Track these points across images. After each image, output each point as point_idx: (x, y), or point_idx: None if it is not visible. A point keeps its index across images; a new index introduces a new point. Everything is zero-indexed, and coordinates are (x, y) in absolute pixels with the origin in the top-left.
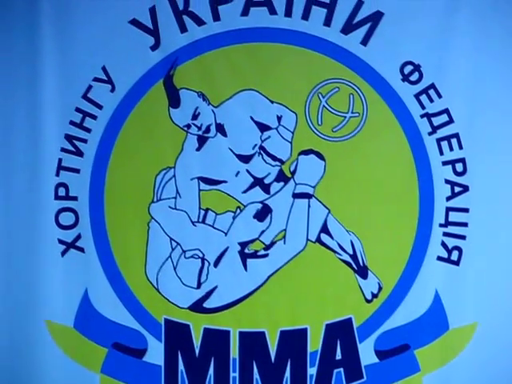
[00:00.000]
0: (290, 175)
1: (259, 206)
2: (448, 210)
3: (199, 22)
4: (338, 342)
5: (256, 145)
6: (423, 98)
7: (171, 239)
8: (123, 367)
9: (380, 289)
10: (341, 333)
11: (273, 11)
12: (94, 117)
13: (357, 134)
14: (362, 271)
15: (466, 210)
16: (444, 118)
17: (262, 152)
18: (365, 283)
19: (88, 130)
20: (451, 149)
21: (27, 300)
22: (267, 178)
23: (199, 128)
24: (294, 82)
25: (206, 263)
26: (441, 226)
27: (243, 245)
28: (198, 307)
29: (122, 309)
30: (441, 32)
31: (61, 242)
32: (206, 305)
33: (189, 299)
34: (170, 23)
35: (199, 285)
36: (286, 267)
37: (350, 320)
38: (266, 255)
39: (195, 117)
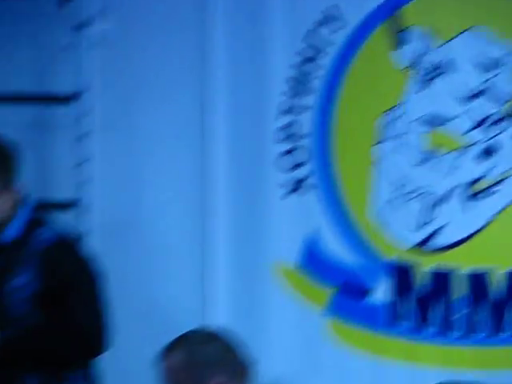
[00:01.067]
0: None
1: (484, 145)
2: None
3: None
4: None
5: (481, 84)
6: None
7: (395, 180)
8: (349, 307)
9: None
10: None
11: None
12: (324, 53)
13: None
14: None
15: None
16: None
17: (486, 91)
18: None
19: (319, 67)
20: None
21: (255, 242)
22: (491, 117)
23: (423, 68)
24: None
25: (431, 203)
26: None
27: (468, 184)
28: (422, 247)
29: (348, 249)
30: None
31: (286, 183)
32: (431, 245)
33: (413, 239)
34: None
35: (424, 225)
36: None
37: None
38: (493, 193)
39: (419, 57)
